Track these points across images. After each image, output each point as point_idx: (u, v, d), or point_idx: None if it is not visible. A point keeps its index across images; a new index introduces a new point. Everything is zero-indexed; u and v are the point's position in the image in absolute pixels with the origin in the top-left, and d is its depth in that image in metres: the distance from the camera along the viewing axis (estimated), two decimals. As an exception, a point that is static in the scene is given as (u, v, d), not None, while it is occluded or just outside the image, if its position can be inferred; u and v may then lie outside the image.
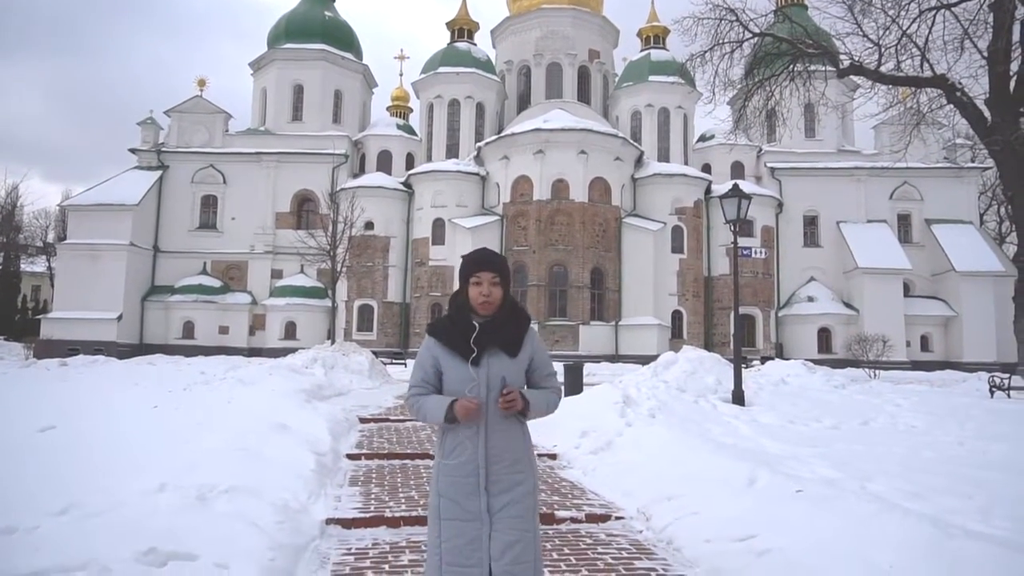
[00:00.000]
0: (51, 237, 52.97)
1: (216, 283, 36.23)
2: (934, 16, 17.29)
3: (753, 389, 12.54)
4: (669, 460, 6.12)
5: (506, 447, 2.51)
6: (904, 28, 17.41)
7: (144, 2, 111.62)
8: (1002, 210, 42.41)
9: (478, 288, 2.53)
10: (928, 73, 17.54)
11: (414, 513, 4.98)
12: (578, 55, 41.72)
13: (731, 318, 31.89)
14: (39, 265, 53.37)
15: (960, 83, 17.15)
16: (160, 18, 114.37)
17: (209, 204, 37.74)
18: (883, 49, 17.65)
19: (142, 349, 33.62)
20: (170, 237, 36.91)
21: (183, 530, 3.76)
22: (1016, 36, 16.67)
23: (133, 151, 38.04)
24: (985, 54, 16.85)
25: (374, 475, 6.40)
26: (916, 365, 31.06)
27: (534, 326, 2.68)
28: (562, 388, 2.51)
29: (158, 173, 37.17)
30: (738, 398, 11.49)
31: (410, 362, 27.58)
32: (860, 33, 17.89)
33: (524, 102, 41.88)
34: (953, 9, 17.14)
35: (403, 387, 15.43)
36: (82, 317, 32.68)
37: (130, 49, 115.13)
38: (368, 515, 4.93)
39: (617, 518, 5.03)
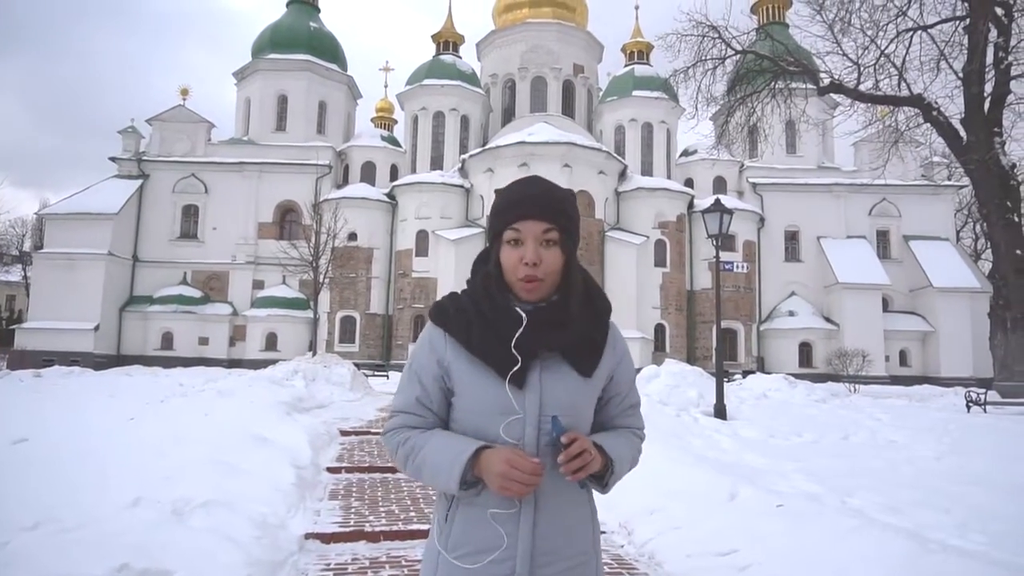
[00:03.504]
0: (27, 246, 52.19)
1: (196, 293, 35.85)
2: (911, 37, 17.70)
3: (735, 403, 12.60)
4: (651, 474, 6.10)
5: (565, 538, 1.44)
6: (882, 48, 17.80)
7: (116, 6, 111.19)
8: (978, 227, 43.22)
9: (517, 251, 1.43)
10: (906, 92, 17.91)
11: (394, 528, 4.93)
12: (563, 69, 42.06)
13: (713, 332, 32.11)
14: (14, 274, 52.51)
15: (936, 103, 17.54)
16: (134, 24, 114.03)
17: (190, 214, 37.42)
18: (862, 68, 18.02)
19: (119, 360, 33.12)
20: (150, 247, 36.50)
21: (158, 546, 3.69)
22: (990, 58, 17.07)
23: (113, 159, 37.68)
24: (960, 75, 17.24)
25: (354, 489, 6.33)
26: (895, 380, 31.39)
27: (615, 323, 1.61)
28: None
29: (139, 182, 36.82)
30: (720, 412, 11.54)
31: (394, 375, 27.29)
32: (840, 52, 18.26)
33: (509, 115, 42.08)
34: (929, 31, 17.55)
35: (386, 399, 15.26)
36: (58, 327, 32.15)
37: (104, 54, 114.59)
38: (348, 530, 4.86)
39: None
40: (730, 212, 12.71)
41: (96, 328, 32.94)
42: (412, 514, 5.33)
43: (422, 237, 34.84)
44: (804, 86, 19.88)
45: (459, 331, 1.45)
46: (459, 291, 1.54)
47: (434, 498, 1.56)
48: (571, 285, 1.47)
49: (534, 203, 1.43)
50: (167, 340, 34.89)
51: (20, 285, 50.40)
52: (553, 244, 1.43)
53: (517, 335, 1.40)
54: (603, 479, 1.46)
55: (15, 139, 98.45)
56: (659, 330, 34.25)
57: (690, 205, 35.83)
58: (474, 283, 1.51)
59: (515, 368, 1.39)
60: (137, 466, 5.62)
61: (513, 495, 1.35)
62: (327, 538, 4.69)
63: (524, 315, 1.42)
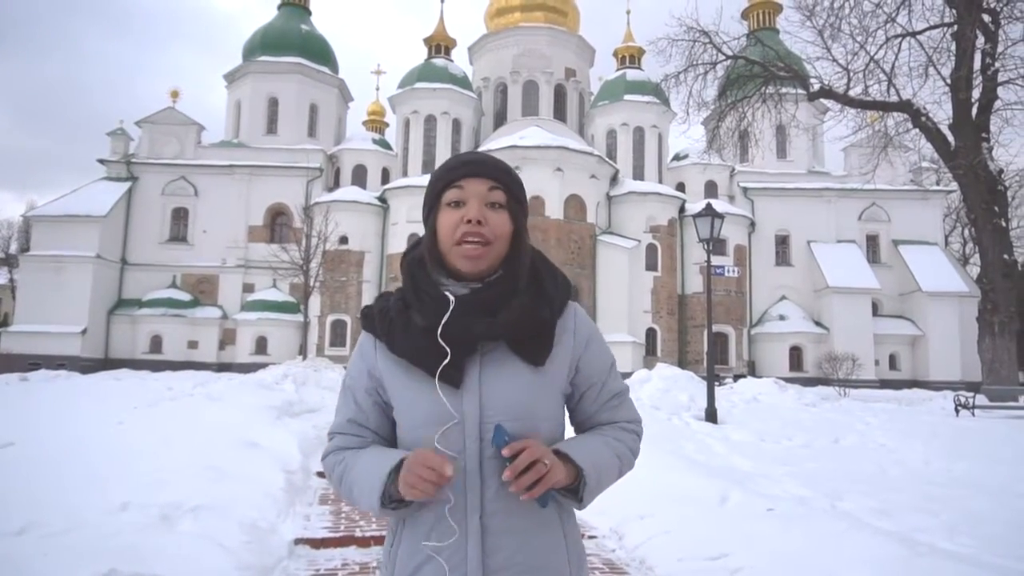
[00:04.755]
0: (14, 248, 51.77)
1: (185, 297, 35.62)
2: (900, 43, 17.87)
3: (726, 407, 12.65)
4: (642, 478, 6.10)
5: (528, 570, 1.21)
6: (872, 54, 17.97)
7: (103, 6, 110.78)
8: (966, 232, 43.57)
9: (458, 212, 1.24)
10: (895, 98, 18.07)
11: (385, 533, 4.90)
12: (554, 73, 42.14)
13: (704, 336, 32.18)
14: (0, 277, 52.03)
15: (925, 108, 17.71)
16: (121, 25, 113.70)
17: (180, 216, 37.19)
18: (851, 74, 18.17)
19: (107, 364, 32.82)
20: (139, 249, 36.24)
21: (146, 550, 3.66)
22: (977, 64, 17.24)
23: (102, 161, 37.42)
24: (948, 81, 17.41)
25: (345, 493, 6.29)
26: (884, 383, 31.56)
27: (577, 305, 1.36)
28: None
29: (127, 184, 36.56)
30: (711, 416, 11.57)
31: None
32: (829, 58, 18.42)
33: (501, 119, 42.12)
34: (918, 37, 17.72)
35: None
36: (45, 331, 31.85)
37: (90, 55, 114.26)
38: (338, 535, 4.84)
39: (590, 537, 5.00)
40: (721, 216, 12.77)
41: (84, 331, 32.66)
42: (403, 518, 5.30)
43: (413, 241, 34.71)
44: (794, 91, 20.00)
45: (382, 331, 1.26)
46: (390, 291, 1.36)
47: None
48: (519, 260, 1.26)
49: (477, 162, 1.28)
50: (156, 343, 34.63)
51: (6, 288, 49.92)
52: (500, 207, 1.25)
53: (443, 322, 1.18)
54: (577, 492, 1.21)
55: None
56: (650, 334, 34.31)
57: (681, 209, 35.93)
58: (404, 273, 1.30)
59: (444, 363, 1.17)
60: (125, 471, 5.57)
61: (419, 497, 1.12)
62: (317, 543, 4.66)
63: (452, 297, 1.21)
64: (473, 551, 1.17)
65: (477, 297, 1.22)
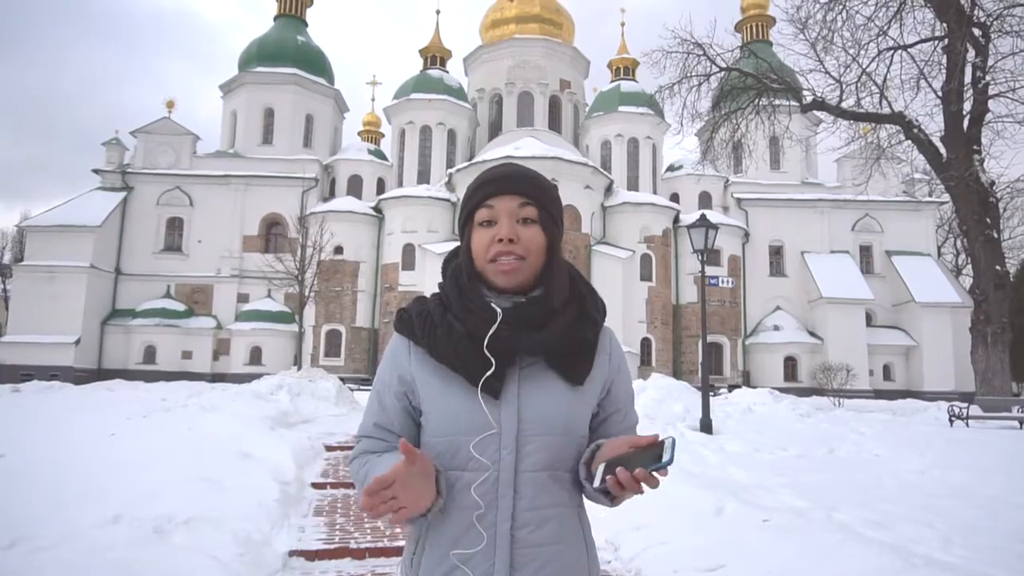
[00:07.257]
0: (7, 258, 51.54)
1: (180, 307, 35.49)
2: (892, 56, 18.04)
3: (721, 417, 12.64)
4: (638, 489, 6.09)
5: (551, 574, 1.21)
6: (864, 67, 18.12)
7: (93, 16, 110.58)
8: (958, 243, 43.76)
9: (489, 231, 1.26)
10: (887, 110, 18.22)
11: (380, 544, 4.88)
12: (549, 85, 42.34)
13: (699, 346, 32.18)
14: (-6, 287, 51.73)
15: (917, 120, 17.87)
16: (112, 35, 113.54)
17: (175, 227, 37.12)
18: (844, 86, 18.33)
19: (100, 374, 32.65)
20: (133, 260, 36.14)
21: (138, 564, 3.63)
22: (968, 77, 17.41)
23: (97, 171, 37.37)
24: (940, 94, 17.57)
25: (340, 505, 6.27)
26: (878, 394, 31.61)
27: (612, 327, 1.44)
28: None
29: (122, 194, 36.51)
30: (706, 426, 11.57)
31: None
32: (822, 70, 18.58)
33: (496, 130, 42.25)
34: (909, 50, 17.89)
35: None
36: (38, 341, 31.69)
37: (80, 65, 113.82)
38: (333, 547, 4.81)
39: (586, 548, 4.98)
40: (715, 227, 12.82)
41: (77, 342, 32.50)
42: (398, 530, 5.28)
43: (408, 251, 34.79)
44: (787, 103, 20.14)
45: (423, 336, 1.26)
46: (427, 295, 1.36)
47: None
48: (553, 274, 1.28)
49: (508, 178, 1.27)
50: (149, 354, 34.46)
51: (-1, 298, 49.66)
52: (532, 222, 1.26)
53: (490, 333, 1.20)
54: (609, 492, 1.19)
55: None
56: (645, 344, 34.32)
57: (676, 220, 36.07)
58: (444, 282, 1.32)
59: (488, 373, 1.18)
60: (118, 483, 5.54)
61: (412, 509, 1.12)
62: (311, 555, 4.63)
63: (500, 311, 1.22)
64: (501, 562, 1.18)
65: (521, 311, 1.24)
